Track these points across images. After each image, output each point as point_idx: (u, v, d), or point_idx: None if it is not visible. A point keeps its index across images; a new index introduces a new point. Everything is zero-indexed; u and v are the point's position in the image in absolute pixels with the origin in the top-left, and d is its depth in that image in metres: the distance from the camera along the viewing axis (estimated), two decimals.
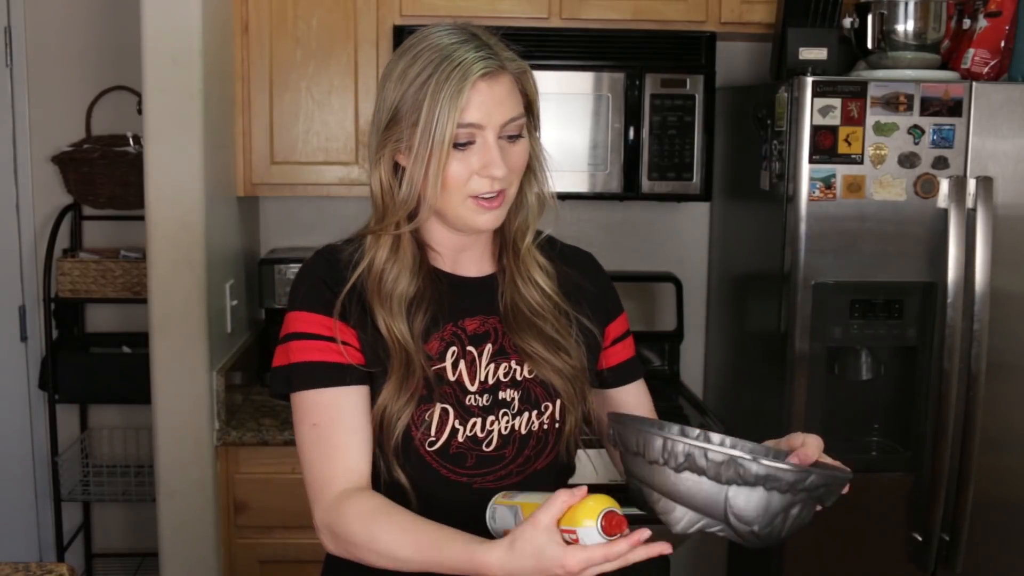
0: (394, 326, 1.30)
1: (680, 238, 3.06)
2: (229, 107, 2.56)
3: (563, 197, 2.69)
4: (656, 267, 3.04)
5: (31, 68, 3.01)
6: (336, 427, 1.29)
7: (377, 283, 1.32)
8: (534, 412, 1.36)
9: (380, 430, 1.31)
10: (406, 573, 1.24)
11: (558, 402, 1.37)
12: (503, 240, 1.41)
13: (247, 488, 2.43)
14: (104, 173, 2.90)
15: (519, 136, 1.30)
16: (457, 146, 1.26)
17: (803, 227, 2.28)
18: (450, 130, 1.24)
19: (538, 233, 1.42)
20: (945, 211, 2.26)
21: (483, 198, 1.29)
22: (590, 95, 2.60)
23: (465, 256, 1.39)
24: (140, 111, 2.37)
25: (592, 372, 1.44)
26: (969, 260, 2.25)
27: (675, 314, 2.97)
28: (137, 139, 2.91)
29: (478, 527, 1.26)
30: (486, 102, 1.26)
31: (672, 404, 2.84)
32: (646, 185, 2.63)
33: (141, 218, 2.42)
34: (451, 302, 1.36)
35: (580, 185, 2.62)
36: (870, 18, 2.40)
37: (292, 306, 1.34)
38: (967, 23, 2.48)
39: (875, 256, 2.30)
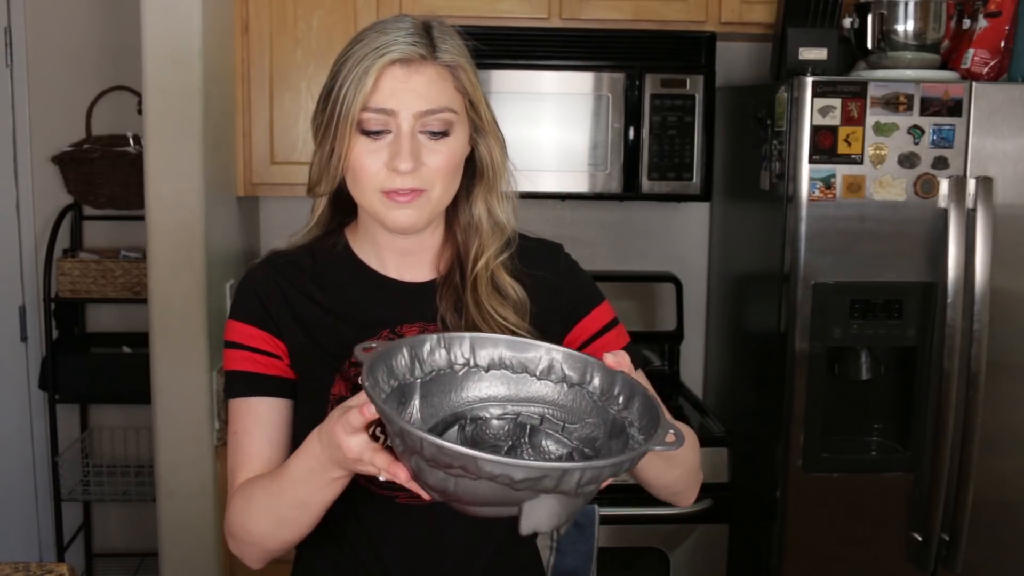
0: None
1: (680, 238, 3.06)
2: (229, 107, 2.56)
3: (563, 197, 2.72)
4: (656, 267, 3.04)
5: (31, 68, 3.02)
6: (250, 436, 1.26)
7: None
8: None
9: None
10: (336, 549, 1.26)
11: None
12: (457, 258, 1.30)
13: None
14: (104, 173, 2.90)
15: (444, 134, 1.20)
16: (369, 133, 1.18)
17: (803, 227, 2.28)
18: (354, 111, 1.16)
19: (507, 243, 1.30)
20: (945, 211, 2.26)
21: (395, 191, 1.19)
22: (590, 95, 2.60)
23: (409, 261, 1.31)
24: (140, 111, 2.37)
25: None
26: (969, 260, 2.25)
27: (675, 314, 2.97)
28: (137, 139, 2.91)
29: (406, 546, 1.25)
30: (400, 88, 1.16)
31: (672, 404, 2.84)
32: (646, 185, 2.63)
33: (141, 218, 2.42)
34: (389, 308, 1.28)
35: (580, 185, 2.62)
36: (870, 18, 2.40)
37: (230, 313, 1.32)
38: (967, 23, 2.48)
39: (875, 256, 2.29)
